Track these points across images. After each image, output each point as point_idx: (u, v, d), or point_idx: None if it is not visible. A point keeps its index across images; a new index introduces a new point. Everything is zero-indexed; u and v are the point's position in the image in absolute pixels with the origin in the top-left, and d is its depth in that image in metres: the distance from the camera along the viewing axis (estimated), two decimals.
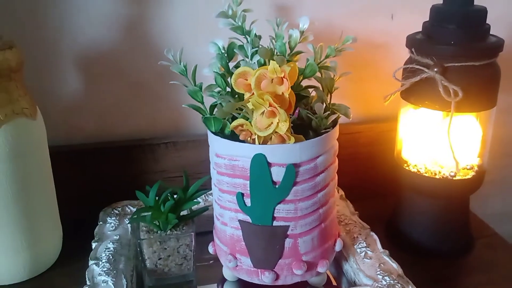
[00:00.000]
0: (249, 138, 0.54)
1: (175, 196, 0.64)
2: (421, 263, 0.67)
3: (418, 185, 0.68)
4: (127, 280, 0.60)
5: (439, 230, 0.70)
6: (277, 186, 0.54)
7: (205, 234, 0.67)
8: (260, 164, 0.53)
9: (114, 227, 0.70)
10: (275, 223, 0.56)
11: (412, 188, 0.70)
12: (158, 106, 0.79)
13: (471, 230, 0.72)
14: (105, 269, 0.61)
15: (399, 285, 0.57)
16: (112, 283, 0.58)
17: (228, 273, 0.64)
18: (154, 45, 0.75)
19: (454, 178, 0.65)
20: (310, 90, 0.60)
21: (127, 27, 0.74)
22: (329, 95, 0.60)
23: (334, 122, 0.58)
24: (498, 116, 0.70)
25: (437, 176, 0.66)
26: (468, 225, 0.71)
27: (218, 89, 0.59)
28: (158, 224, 0.64)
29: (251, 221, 0.57)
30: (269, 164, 0.53)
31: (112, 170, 0.77)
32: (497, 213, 0.98)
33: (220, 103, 0.57)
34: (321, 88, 0.60)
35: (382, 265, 0.61)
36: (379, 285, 0.57)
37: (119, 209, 0.74)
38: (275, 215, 0.56)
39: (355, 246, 0.65)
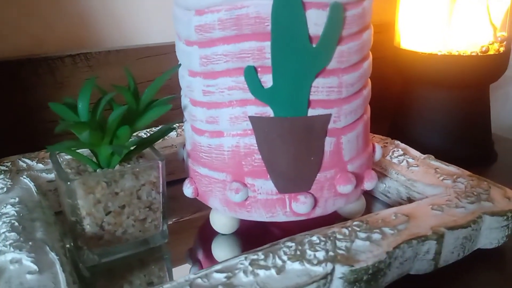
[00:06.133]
0: None
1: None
2: None
3: (434, 72, 0.52)
4: (58, 253, 0.33)
5: (459, 131, 0.55)
6: (315, 45, 0.33)
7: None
8: (290, 5, 0.32)
9: (5, 189, 0.41)
10: (310, 112, 0.35)
11: (424, 79, 0.54)
12: (50, 18, 0.51)
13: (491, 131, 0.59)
14: (10, 241, 0.33)
15: (484, 183, 0.40)
16: (32, 261, 0.31)
17: (222, 221, 0.40)
18: None
19: (486, 54, 0.50)
20: None
21: None
22: None
23: None
24: None
25: (465, 53, 0.51)
26: (490, 122, 0.58)
27: None
28: (95, 159, 0.37)
29: (272, 114, 0.34)
30: (304, 5, 0.32)
31: None
32: None
33: None
34: None
35: (438, 170, 0.43)
36: (458, 190, 0.39)
37: (8, 164, 0.45)
38: (311, 97, 0.34)
39: (388, 157, 0.46)
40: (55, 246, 0.33)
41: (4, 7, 0.49)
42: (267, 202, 0.37)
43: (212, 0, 0.33)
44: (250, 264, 0.29)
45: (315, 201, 0.37)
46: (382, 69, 0.62)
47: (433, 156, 0.46)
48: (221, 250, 0.40)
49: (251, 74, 0.34)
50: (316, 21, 0.33)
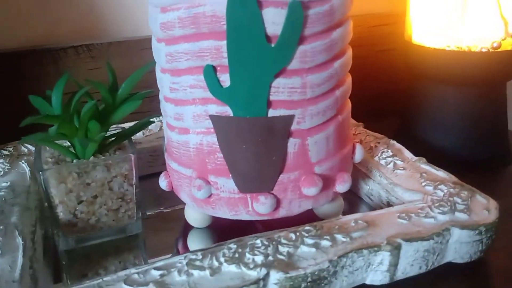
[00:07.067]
0: None
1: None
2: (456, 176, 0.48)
3: (444, 69, 0.49)
4: (25, 239, 0.35)
5: (473, 132, 0.51)
6: (273, 44, 0.32)
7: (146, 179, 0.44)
8: (245, 4, 0.31)
9: (2, 173, 0.44)
10: (271, 113, 0.34)
11: (435, 76, 0.51)
12: (62, 8, 0.53)
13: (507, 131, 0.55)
14: None
15: (465, 193, 0.37)
16: None
17: (194, 215, 0.41)
18: None
19: (497, 50, 0.46)
20: None
21: None
22: None
23: None
24: None
25: (474, 49, 0.47)
26: (507, 122, 0.54)
27: None
28: (73, 149, 0.39)
29: (231, 114, 0.34)
30: (260, 4, 0.31)
31: None
32: None
33: None
34: None
35: (424, 174, 0.41)
36: (435, 198, 0.37)
37: (10, 149, 0.48)
38: (271, 97, 0.34)
39: (377, 158, 0.44)
40: (24, 231, 0.36)
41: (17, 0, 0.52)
42: (229, 201, 0.37)
43: None
44: (187, 263, 0.30)
45: (278, 202, 0.36)
46: (392, 62, 0.59)
47: (424, 159, 0.43)
48: (194, 242, 0.41)
49: (209, 73, 0.33)
50: (274, 20, 0.32)
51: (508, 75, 0.49)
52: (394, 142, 0.47)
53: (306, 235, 0.32)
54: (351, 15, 0.62)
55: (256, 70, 0.33)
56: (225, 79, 0.33)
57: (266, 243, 0.31)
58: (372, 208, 0.43)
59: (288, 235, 0.32)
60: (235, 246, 0.31)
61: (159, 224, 0.44)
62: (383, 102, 0.63)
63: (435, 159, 0.50)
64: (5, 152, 0.48)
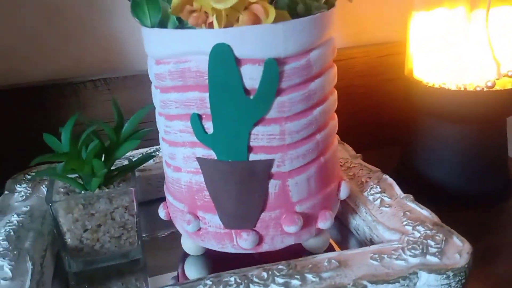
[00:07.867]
0: (203, 25, 0.35)
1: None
2: (453, 212, 0.49)
3: (442, 107, 0.50)
4: (34, 263, 0.39)
5: (472, 168, 0.52)
6: (252, 97, 0.35)
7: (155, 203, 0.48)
8: (224, 62, 0.34)
9: (24, 197, 0.49)
10: (252, 157, 0.37)
11: (433, 112, 0.52)
12: (86, 41, 0.58)
13: (509, 165, 0.55)
14: (0, 249, 0.40)
15: (440, 235, 0.39)
16: (10, 269, 0.38)
17: (188, 244, 0.44)
18: None
19: (492, 89, 0.47)
20: None
21: None
22: None
23: (330, 4, 0.39)
24: None
25: (469, 88, 0.48)
26: (507, 158, 0.54)
27: None
28: (80, 181, 0.44)
29: (216, 157, 0.37)
30: (238, 62, 0.34)
31: (20, 122, 0.56)
32: None
33: None
34: None
35: (408, 213, 0.42)
36: (411, 239, 0.39)
37: (33, 174, 0.53)
38: (251, 143, 0.37)
39: (366, 193, 0.46)
40: (35, 256, 0.40)
41: (48, 33, 0.57)
42: (216, 235, 0.40)
43: (164, 53, 0.37)
44: None
45: (261, 238, 0.39)
46: (399, 91, 0.60)
47: (412, 196, 0.45)
48: (189, 268, 0.44)
49: (195, 121, 0.37)
50: (251, 75, 0.35)
51: (503, 112, 0.49)
52: (387, 176, 0.48)
53: (278, 274, 0.35)
54: (358, 45, 0.64)
55: (235, 119, 0.36)
56: (209, 126, 0.37)
57: (238, 280, 0.34)
58: (359, 242, 0.45)
59: (260, 273, 0.35)
60: (210, 282, 0.34)
61: (167, 245, 0.48)
62: (389, 132, 0.64)
63: (434, 194, 0.52)
64: (29, 177, 0.53)
